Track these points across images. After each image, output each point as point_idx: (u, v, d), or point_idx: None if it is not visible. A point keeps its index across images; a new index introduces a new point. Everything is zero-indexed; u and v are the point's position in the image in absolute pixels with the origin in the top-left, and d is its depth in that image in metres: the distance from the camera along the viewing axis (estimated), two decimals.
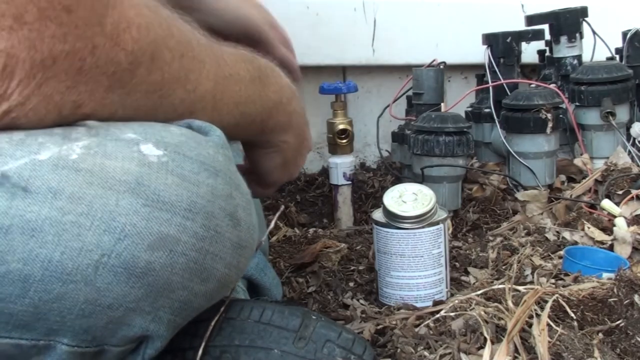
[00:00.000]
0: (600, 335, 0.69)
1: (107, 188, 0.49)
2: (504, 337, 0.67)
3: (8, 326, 0.49)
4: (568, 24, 1.34)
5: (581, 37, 1.36)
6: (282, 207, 0.80)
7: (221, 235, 0.55)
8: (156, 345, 0.56)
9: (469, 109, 1.37)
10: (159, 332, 0.55)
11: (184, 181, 0.52)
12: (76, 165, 0.49)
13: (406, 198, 0.84)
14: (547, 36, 1.38)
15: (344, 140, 1.28)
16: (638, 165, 1.17)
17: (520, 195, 1.15)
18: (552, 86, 1.29)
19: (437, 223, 0.83)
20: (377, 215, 0.86)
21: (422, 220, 0.83)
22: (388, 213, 0.84)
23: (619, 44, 1.33)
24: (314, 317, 0.64)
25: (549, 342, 0.66)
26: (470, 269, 0.95)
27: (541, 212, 1.11)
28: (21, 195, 0.47)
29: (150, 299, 0.52)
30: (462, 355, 0.69)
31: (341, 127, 1.28)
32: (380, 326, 0.78)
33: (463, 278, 0.93)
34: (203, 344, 0.61)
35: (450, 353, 0.69)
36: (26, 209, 0.47)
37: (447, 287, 0.86)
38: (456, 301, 0.77)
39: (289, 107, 0.74)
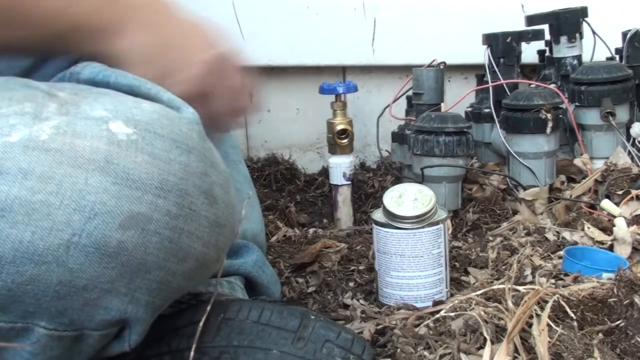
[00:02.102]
0: (600, 335, 0.69)
1: (76, 167, 0.49)
2: (504, 337, 0.67)
3: None
4: (568, 24, 1.34)
5: (581, 37, 1.36)
6: (250, 194, 0.74)
7: (196, 213, 0.54)
8: (138, 330, 0.56)
9: (469, 109, 1.37)
10: (138, 315, 0.55)
11: (154, 159, 0.52)
12: (46, 145, 0.49)
13: (406, 198, 0.84)
14: (547, 36, 1.37)
15: (344, 140, 1.28)
16: (638, 165, 1.17)
17: (525, 194, 1.14)
18: (552, 86, 1.29)
19: (437, 223, 0.83)
20: (377, 215, 0.86)
21: (422, 220, 0.83)
22: (388, 213, 0.84)
23: (619, 44, 1.33)
24: (312, 317, 0.64)
25: (549, 342, 0.66)
26: (470, 269, 0.95)
27: (541, 213, 1.10)
28: None
29: (125, 280, 0.52)
30: (462, 355, 0.68)
31: (341, 127, 1.28)
32: (380, 326, 0.77)
33: (463, 278, 0.93)
34: (194, 345, 0.60)
35: (450, 353, 0.69)
36: None
37: (447, 287, 0.86)
38: (456, 301, 0.77)
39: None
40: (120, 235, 0.50)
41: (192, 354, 0.60)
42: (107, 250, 0.50)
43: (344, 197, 1.28)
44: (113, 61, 0.61)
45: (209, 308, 0.62)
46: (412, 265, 0.83)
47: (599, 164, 1.20)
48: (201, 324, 0.61)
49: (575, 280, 0.82)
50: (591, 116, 1.23)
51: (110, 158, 0.50)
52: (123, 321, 0.55)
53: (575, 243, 0.98)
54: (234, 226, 0.60)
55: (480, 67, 1.36)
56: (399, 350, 0.71)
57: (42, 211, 0.48)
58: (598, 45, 1.36)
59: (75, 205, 0.49)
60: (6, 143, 0.48)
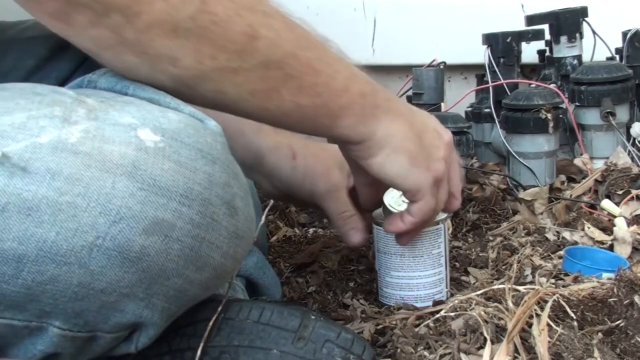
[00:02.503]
0: (600, 335, 0.69)
1: (104, 171, 0.50)
2: (504, 337, 0.67)
3: (1, 306, 0.50)
4: (568, 24, 1.34)
5: (581, 37, 1.36)
6: (271, 202, 0.78)
7: (218, 223, 0.55)
8: (150, 334, 0.56)
9: (469, 109, 1.37)
10: (153, 320, 0.55)
11: (180, 167, 0.52)
12: (75, 148, 0.49)
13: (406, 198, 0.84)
14: (547, 36, 1.38)
15: None
16: (638, 165, 1.17)
17: (524, 194, 1.14)
18: (552, 86, 1.29)
19: (436, 223, 0.83)
20: (377, 215, 0.86)
21: None
22: (388, 213, 0.83)
23: (619, 44, 1.33)
24: (313, 317, 0.64)
25: (549, 342, 0.66)
26: (470, 269, 0.95)
27: (541, 213, 1.10)
28: (20, 175, 0.48)
29: (144, 285, 0.52)
30: (462, 355, 0.68)
31: None
32: (380, 326, 0.77)
33: (463, 278, 0.93)
34: (201, 345, 0.60)
35: (450, 353, 0.69)
36: (24, 187, 0.48)
37: (447, 287, 0.86)
38: (456, 301, 0.77)
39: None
40: (144, 240, 0.51)
41: (199, 352, 0.60)
42: (130, 255, 0.50)
43: None
44: (365, 144, 0.67)
45: (220, 308, 0.62)
46: (412, 265, 0.83)
47: (599, 164, 1.20)
48: (211, 323, 0.61)
49: (575, 280, 0.82)
50: (591, 116, 1.23)
51: (138, 164, 0.51)
52: (137, 325, 0.55)
53: (575, 243, 0.98)
54: (251, 238, 0.61)
55: (480, 67, 1.36)
56: (399, 350, 0.71)
57: (68, 212, 0.48)
58: (598, 45, 1.36)
59: (101, 209, 0.49)
60: (35, 144, 0.49)
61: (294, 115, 0.62)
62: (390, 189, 0.86)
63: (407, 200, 0.83)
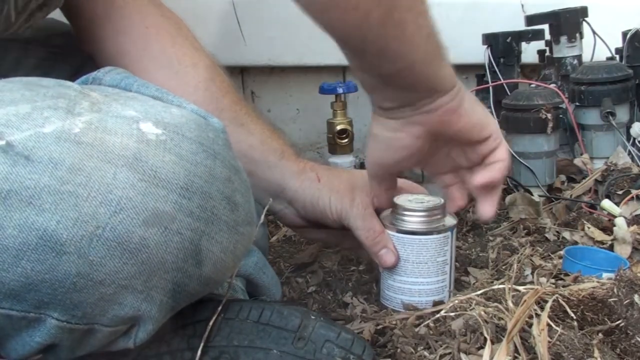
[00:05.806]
0: (600, 335, 0.69)
1: (105, 161, 0.50)
2: (504, 337, 0.67)
3: None
4: (568, 24, 1.34)
5: (581, 37, 1.36)
6: (270, 200, 0.78)
7: (218, 217, 0.55)
8: (148, 328, 0.56)
9: None
10: (151, 313, 0.55)
11: (181, 160, 0.53)
12: (78, 138, 0.50)
13: (416, 202, 0.83)
14: (547, 36, 1.38)
15: (344, 140, 1.28)
16: (638, 165, 1.17)
17: (508, 198, 1.14)
18: (552, 86, 1.29)
19: (443, 231, 0.82)
20: (385, 217, 0.85)
21: (429, 226, 0.82)
22: (403, 212, 0.83)
23: (619, 44, 1.33)
24: (313, 317, 0.64)
25: (549, 342, 0.66)
26: (470, 269, 0.95)
27: (535, 217, 1.10)
28: (23, 163, 0.48)
29: (143, 277, 0.52)
30: (462, 355, 0.68)
31: (341, 127, 1.28)
32: (380, 326, 0.77)
33: (463, 278, 0.93)
34: (201, 345, 0.60)
35: (450, 353, 0.69)
36: (26, 176, 0.48)
37: (449, 291, 0.85)
38: (456, 301, 0.77)
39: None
40: (143, 231, 0.51)
41: (199, 352, 0.60)
42: (129, 246, 0.50)
43: None
44: (457, 88, 0.72)
45: (219, 308, 0.62)
46: (415, 271, 0.82)
47: (599, 164, 1.20)
48: (210, 323, 0.61)
49: (575, 280, 0.82)
50: (591, 116, 1.23)
51: (139, 155, 0.51)
52: (135, 318, 0.55)
53: (575, 243, 0.98)
54: (251, 235, 0.61)
55: (480, 67, 1.36)
56: (399, 350, 0.71)
57: (70, 202, 0.49)
58: (598, 45, 1.36)
59: (102, 199, 0.49)
60: (39, 133, 0.49)
61: (421, 45, 0.69)
62: (401, 195, 0.85)
63: (423, 201, 0.83)
